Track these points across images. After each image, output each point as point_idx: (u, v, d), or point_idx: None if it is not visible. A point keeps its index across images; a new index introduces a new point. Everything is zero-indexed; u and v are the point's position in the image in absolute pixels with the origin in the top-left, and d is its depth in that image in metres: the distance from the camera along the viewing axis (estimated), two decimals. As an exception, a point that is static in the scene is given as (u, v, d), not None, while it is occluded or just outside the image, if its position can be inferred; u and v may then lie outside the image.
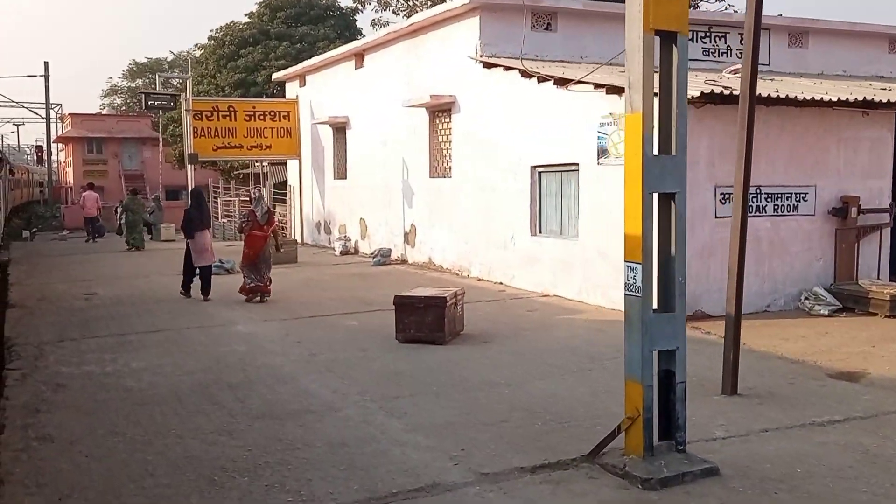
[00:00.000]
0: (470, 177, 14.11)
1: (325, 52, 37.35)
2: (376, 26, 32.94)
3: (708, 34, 14.71)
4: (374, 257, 16.58)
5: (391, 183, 17.10)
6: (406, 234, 16.55)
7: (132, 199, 23.93)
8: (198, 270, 12.71)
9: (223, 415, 6.20)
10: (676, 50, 4.85)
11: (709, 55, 14.67)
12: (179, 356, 8.34)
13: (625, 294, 4.88)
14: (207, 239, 12.96)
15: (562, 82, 11.39)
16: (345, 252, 18.80)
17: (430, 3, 32.18)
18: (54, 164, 52.16)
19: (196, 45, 40.86)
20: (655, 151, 4.84)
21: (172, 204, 35.67)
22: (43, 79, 43.16)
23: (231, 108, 20.97)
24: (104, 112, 61.93)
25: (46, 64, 42.64)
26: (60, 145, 56.63)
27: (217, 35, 40.13)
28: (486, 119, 13.55)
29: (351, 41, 39.86)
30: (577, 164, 11.37)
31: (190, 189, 16.22)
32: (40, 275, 16.18)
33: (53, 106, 46.73)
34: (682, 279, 4.96)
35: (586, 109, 11.01)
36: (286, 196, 27.44)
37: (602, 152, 10.76)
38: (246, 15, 41.00)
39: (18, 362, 8.33)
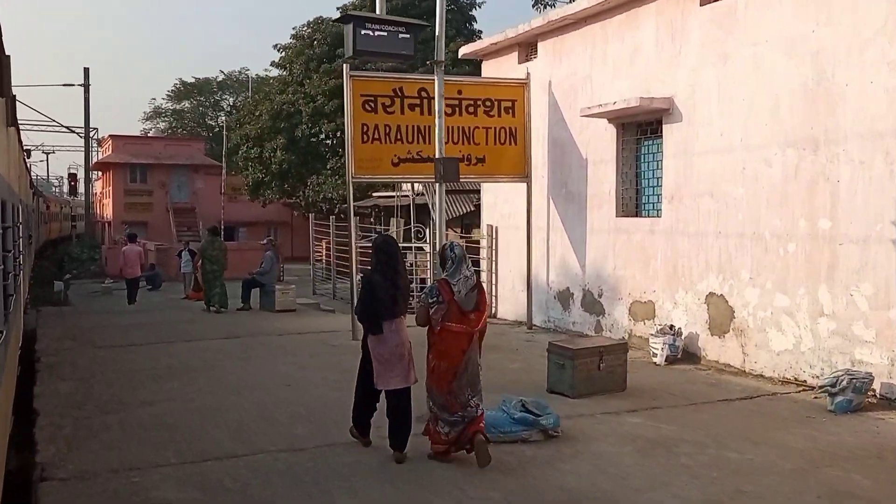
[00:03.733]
0: None
1: (446, 50, 28.85)
2: (539, 6, 24.31)
3: None
4: (834, 394, 7.44)
5: (842, 227, 8.09)
6: (914, 342, 7.46)
7: (211, 242, 15.53)
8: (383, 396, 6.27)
9: None
10: None
11: None
12: None
13: None
14: (404, 336, 6.22)
15: None
16: (672, 358, 9.75)
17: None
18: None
19: (276, 45, 32.47)
20: None
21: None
22: (82, 90, 34.80)
23: (423, 94, 12.15)
24: (151, 134, 54.02)
25: (87, 70, 34.52)
26: (97, 173, 48.47)
27: (304, 32, 31.74)
28: None
29: (472, 40, 31.41)
30: None
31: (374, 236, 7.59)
32: (107, 421, 7.23)
33: (90, 129, 38.15)
34: None
35: None
36: (426, 241, 18.74)
37: None
38: (338, 9, 32.60)
39: None
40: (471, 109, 12.39)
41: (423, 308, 5.96)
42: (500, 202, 14.22)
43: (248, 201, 39.53)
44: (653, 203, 10.90)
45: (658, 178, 10.74)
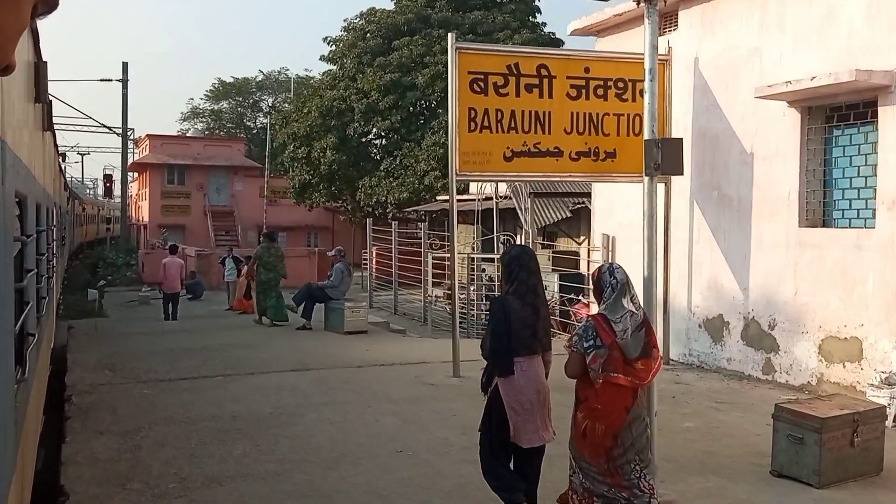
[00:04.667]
0: None
1: (509, 43, 26.44)
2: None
3: None
4: None
5: None
6: None
7: (267, 249, 13.52)
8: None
9: None
10: None
11: None
12: None
13: None
14: (544, 377, 4.76)
15: None
16: (903, 416, 7.28)
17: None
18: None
19: (326, 38, 30.32)
20: None
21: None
22: (118, 87, 32.93)
23: (542, 72, 9.79)
24: (188, 135, 52.35)
25: (125, 65, 32.66)
26: (134, 174, 46.86)
27: (357, 24, 29.59)
28: None
29: (534, 32, 28.92)
30: None
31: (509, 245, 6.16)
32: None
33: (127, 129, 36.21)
34: None
35: None
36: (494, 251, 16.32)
37: None
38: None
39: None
40: (599, 92, 10.00)
41: (577, 355, 4.48)
42: (618, 207, 11.81)
43: (287, 205, 37.58)
44: (856, 209, 8.41)
45: (865, 178, 8.25)
